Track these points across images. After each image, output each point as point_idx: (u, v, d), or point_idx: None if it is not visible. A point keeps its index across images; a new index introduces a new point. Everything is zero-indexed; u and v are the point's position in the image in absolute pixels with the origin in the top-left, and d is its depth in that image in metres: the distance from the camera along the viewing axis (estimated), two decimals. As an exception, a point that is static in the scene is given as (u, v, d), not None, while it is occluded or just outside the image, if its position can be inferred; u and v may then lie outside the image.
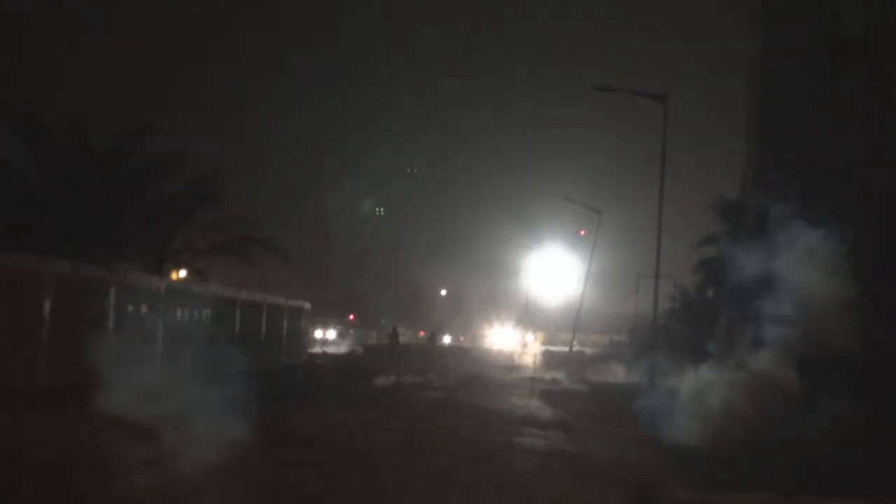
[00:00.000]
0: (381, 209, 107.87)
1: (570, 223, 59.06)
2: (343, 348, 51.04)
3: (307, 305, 38.81)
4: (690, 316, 31.20)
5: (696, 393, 20.03)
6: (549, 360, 45.31)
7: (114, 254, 24.38)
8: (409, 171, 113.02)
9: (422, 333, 67.20)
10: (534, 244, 61.22)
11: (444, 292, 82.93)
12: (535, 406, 24.51)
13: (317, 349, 47.52)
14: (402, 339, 48.90)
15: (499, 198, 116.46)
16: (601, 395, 28.29)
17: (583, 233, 61.19)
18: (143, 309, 24.05)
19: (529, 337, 67.08)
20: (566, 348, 49.53)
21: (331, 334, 63.34)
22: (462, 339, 70.58)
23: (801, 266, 21.10)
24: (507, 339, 66.14)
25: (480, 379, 34.11)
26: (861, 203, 25.05)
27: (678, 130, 29.53)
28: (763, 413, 18.62)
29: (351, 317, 77.85)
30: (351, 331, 62.69)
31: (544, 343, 62.42)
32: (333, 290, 70.61)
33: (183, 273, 30.08)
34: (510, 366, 44.36)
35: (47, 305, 19.76)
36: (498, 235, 75.44)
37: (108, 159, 24.76)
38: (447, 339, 68.75)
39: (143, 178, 25.47)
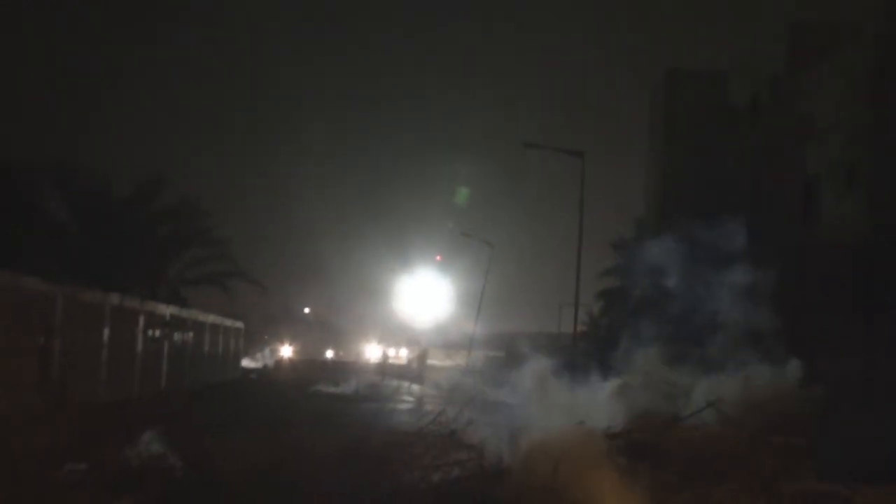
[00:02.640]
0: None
1: (458, 253, 60.55)
2: (253, 364, 51.49)
3: (241, 326, 40.19)
4: (595, 337, 34.01)
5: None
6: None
7: (123, 283, 25.56)
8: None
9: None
10: (413, 269, 62.91)
11: (307, 310, 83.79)
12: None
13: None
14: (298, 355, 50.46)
15: (375, 224, 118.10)
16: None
17: (439, 258, 63.11)
18: (157, 333, 25.58)
19: (403, 352, 69.27)
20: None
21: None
22: (342, 353, 72.04)
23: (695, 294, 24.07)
24: (380, 354, 67.84)
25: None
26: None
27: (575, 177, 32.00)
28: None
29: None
30: (267, 349, 62.97)
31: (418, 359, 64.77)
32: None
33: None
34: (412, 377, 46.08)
35: (106, 332, 21.15)
36: (374, 259, 76.95)
37: (127, 206, 26.23)
38: (329, 354, 70.28)
39: (154, 223, 27.03)
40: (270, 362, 53.78)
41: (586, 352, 33.63)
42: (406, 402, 28.12)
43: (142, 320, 23.83)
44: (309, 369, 46.84)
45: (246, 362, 48.01)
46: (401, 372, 49.17)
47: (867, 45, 25.08)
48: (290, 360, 58.63)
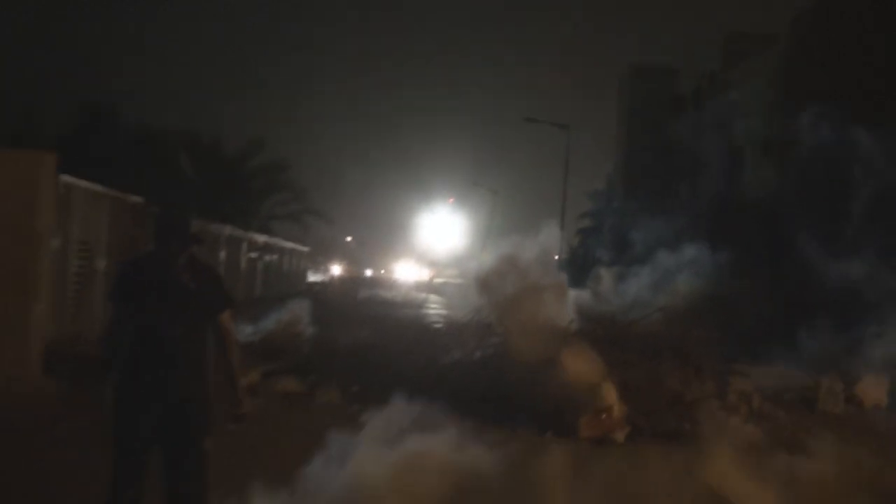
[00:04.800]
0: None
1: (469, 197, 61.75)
2: (320, 279, 53.13)
3: (308, 249, 42.02)
4: (574, 263, 35.85)
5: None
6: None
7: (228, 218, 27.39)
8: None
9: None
10: (433, 208, 64.52)
11: (349, 238, 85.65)
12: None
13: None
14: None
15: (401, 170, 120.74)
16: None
17: (451, 200, 64.59)
18: (254, 255, 27.53)
19: (424, 271, 70.95)
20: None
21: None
22: (381, 272, 73.73)
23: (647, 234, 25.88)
24: (407, 273, 69.51)
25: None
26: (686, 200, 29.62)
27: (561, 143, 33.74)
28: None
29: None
30: (328, 266, 64.44)
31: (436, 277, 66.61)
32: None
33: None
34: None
35: (223, 254, 23.10)
36: (401, 199, 78.64)
37: (234, 162, 28.05)
38: (369, 272, 72.14)
39: (254, 175, 28.91)
40: (326, 278, 55.57)
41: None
42: (434, 308, 29.93)
43: (244, 246, 25.77)
44: (356, 283, 48.65)
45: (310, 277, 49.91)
46: (424, 287, 50.90)
47: (778, 53, 26.67)
48: (340, 276, 60.51)
